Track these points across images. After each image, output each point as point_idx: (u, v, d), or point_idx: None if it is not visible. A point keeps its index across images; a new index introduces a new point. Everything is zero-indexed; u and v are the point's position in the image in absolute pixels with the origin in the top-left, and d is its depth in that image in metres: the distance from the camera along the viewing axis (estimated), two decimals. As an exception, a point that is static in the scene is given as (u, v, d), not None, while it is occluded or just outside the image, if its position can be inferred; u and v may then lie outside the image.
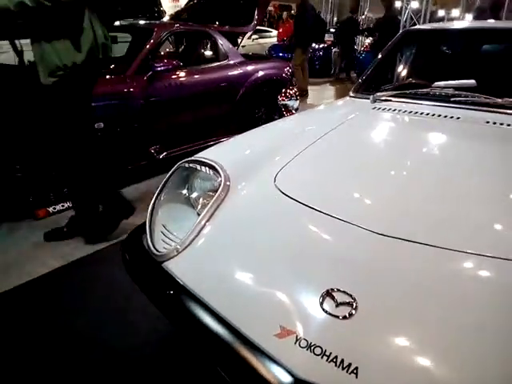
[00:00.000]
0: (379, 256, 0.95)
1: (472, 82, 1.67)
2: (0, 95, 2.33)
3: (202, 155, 1.42)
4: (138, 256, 1.27)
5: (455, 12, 10.31)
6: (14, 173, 2.43)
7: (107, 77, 3.05)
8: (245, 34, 4.57)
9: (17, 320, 1.76)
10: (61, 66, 1.95)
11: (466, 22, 4.93)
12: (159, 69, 3.15)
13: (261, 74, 4.04)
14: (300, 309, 0.88)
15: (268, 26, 12.34)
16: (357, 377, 0.75)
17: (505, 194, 1.13)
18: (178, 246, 1.15)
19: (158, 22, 4.00)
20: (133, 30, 3.93)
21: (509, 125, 1.50)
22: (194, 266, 1.11)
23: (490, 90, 1.64)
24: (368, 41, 9.82)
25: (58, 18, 1.89)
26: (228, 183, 1.26)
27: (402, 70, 2.28)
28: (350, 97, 2.07)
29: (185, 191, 1.39)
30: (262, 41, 10.48)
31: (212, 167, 1.32)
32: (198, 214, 1.26)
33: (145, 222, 1.31)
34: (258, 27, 5.99)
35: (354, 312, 0.83)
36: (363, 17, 12.75)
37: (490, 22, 2.94)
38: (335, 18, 14.62)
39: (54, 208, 2.63)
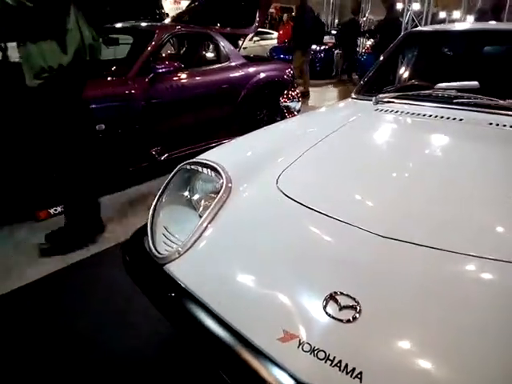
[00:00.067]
0: (382, 258, 0.95)
1: (475, 83, 1.66)
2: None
3: (204, 157, 1.41)
4: (139, 258, 1.26)
5: (456, 14, 10.32)
6: (15, 174, 2.42)
7: (109, 78, 3.06)
8: (246, 35, 4.57)
9: (18, 322, 1.75)
10: (46, 68, 1.92)
11: (468, 23, 4.93)
12: (161, 71, 3.15)
13: (262, 75, 4.04)
14: (303, 312, 0.87)
15: (269, 28, 12.36)
16: (361, 381, 0.74)
17: (508, 196, 1.12)
18: (180, 249, 1.14)
19: (159, 23, 4.00)
20: (134, 31, 3.93)
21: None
22: (195, 269, 1.11)
23: (493, 92, 1.63)
24: (369, 43, 9.82)
25: (42, 18, 1.85)
26: (230, 185, 1.26)
27: (405, 72, 2.28)
28: (352, 98, 2.06)
29: (186, 193, 1.38)
30: (263, 43, 10.50)
31: (214, 169, 1.32)
32: (200, 216, 1.25)
33: (146, 224, 1.30)
34: (259, 29, 5.99)
35: (357, 316, 0.82)
36: (364, 19, 12.75)
37: (492, 24, 2.93)
38: (336, 20, 14.63)
39: (56, 209, 2.63)
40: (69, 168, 2.24)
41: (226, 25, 4.14)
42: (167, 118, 3.28)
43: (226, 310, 0.97)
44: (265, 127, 1.87)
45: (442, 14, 10.50)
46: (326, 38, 10.02)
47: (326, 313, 0.84)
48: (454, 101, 1.69)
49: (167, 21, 4.83)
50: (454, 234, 0.98)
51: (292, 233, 1.09)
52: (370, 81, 2.14)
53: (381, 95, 1.88)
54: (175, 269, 1.11)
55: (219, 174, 1.29)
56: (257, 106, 4.10)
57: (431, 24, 6.15)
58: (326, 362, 0.78)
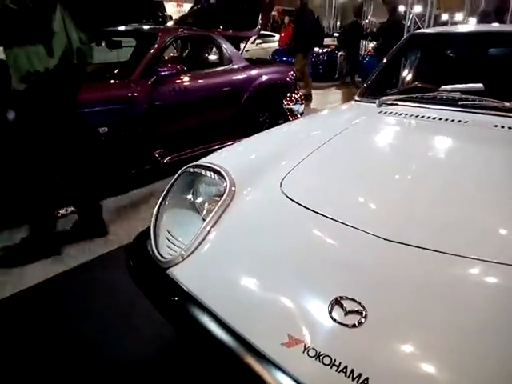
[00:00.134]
0: (387, 262, 0.94)
1: (480, 85, 1.65)
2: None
3: (207, 160, 1.41)
4: (143, 262, 1.25)
5: (458, 16, 10.30)
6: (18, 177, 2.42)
7: (112, 81, 3.07)
8: (249, 38, 4.58)
9: (20, 325, 1.75)
10: (32, 72, 1.89)
11: (472, 25, 4.92)
12: (163, 73, 3.16)
13: (265, 78, 4.04)
14: (308, 317, 0.87)
15: (272, 31, 12.38)
16: (367, 387, 0.73)
17: None
18: (183, 252, 1.13)
19: (162, 26, 4.01)
20: (137, 34, 3.94)
21: (517, 128, 1.48)
22: (199, 273, 1.10)
23: (498, 94, 1.63)
24: (371, 45, 9.83)
25: (26, 21, 1.82)
26: (233, 188, 1.25)
27: (408, 74, 2.27)
28: (356, 101, 2.06)
29: (190, 196, 1.37)
30: (265, 45, 10.51)
31: (217, 172, 1.31)
32: (203, 220, 1.24)
33: (149, 227, 1.30)
34: (262, 32, 6.00)
35: (363, 320, 0.81)
36: (366, 21, 12.76)
37: (497, 26, 2.93)
38: (338, 23, 14.65)
39: (58, 212, 2.62)
40: (69, 170, 2.24)
41: (229, 27, 4.14)
42: (170, 120, 3.28)
43: (230, 314, 0.96)
44: (268, 130, 1.86)
45: (445, 17, 10.49)
46: (329, 41, 10.05)
47: (332, 317, 0.83)
48: (459, 103, 1.68)
49: (170, 24, 4.84)
50: (458, 237, 0.97)
51: (296, 236, 1.08)
52: (374, 83, 2.14)
53: (384, 98, 1.87)
54: (178, 273, 1.10)
55: (223, 177, 1.29)
56: (259, 109, 4.10)
57: (434, 26, 6.14)
58: (331, 367, 0.77)
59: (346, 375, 0.75)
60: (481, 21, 6.14)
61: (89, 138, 2.42)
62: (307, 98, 6.49)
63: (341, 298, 0.86)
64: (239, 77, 3.85)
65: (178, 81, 3.33)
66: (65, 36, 1.93)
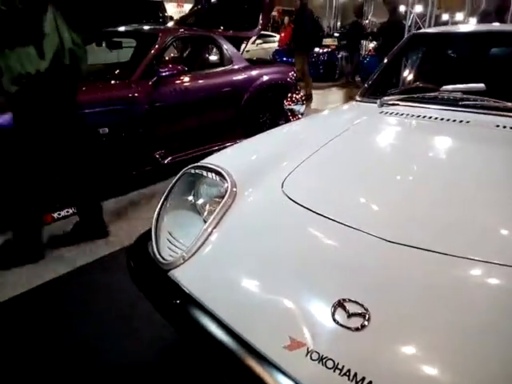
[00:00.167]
0: (389, 264, 0.93)
1: (481, 85, 1.64)
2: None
3: (208, 161, 1.40)
4: (144, 263, 1.25)
5: (459, 16, 10.29)
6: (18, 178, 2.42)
7: (112, 82, 3.06)
8: (249, 38, 4.57)
9: (20, 326, 1.74)
10: (24, 74, 1.86)
11: (474, 25, 4.91)
12: (164, 74, 3.15)
13: (265, 78, 4.04)
14: (310, 319, 0.86)
15: (272, 31, 12.37)
16: (371, 391, 0.73)
17: None
18: (185, 254, 1.12)
19: (162, 27, 4.01)
20: (138, 35, 3.94)
21: (520, 129, 1.48)
22: (200, 274, 1.09)
23: (499, 94, 1.62)
24: (372, 45, 9.82)
25: (16, 22, 1.80)
26: (235, 189, 1.24)
27: (409, 74, 2.26)
28: (357, 101, 2.05)
29: (191, 197, 1.37)
30: (266, 45, 10.51)
31: (218, 173, 1.30)
32: (205, 221, 1.24)
33: (150, 229, 1.29)
34: (262, 32, 6.00)
35: (366, 323, 0.81)
36: (367, 21, 12.75)
37: (498, 25, 2.92)
38: (339, 23, 14.64)
39: (59, 214, 2.62)
40: (70, 172, 2.23)
41: (229, 28, 4.14)
42: (170, 121, 3.27)
43: (232, 316, 0.95)
44: (269, 131, 1.85)
45: (445, 17, 10.47)
46: (329, 41, 10.04)
47: (335, 320, 0.83)
48: (460, 103, 1.67)
49: (170, 24, 4.84)
50: (460, 238, 0.97)
51: (298, 238, 1.08)
52: (375, 83, 2.13)
53: (386, 98, 1.87)
54: (180, 275, 1.10)
55: (224, 178, 1.28)
56: (260, 109, 4.09)
57: (434, 26, 6.13)
58: (334, 370, 0.76)
59: (349, 379, 0.75)
60: (481, 20, 6.13)
61: (90, 138, 2.41)
62: (308, 99, 6.48)
63: (344, 300, 0.85)
64: (240, 77, 3.85)
65: (178, 81, 3.33)
66: (57, 36, 1.90)
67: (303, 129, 1.89)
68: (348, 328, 0.81)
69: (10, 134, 2.03)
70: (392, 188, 1.21)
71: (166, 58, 4.07)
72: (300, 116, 3.82)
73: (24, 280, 2.01)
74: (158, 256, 1.18)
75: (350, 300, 0.85)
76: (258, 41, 9.88)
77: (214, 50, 4.32)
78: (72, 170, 2.24)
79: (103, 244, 2.36)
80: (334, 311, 0.84)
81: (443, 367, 0.75)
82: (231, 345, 0.90)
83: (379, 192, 1.20)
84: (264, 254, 1.07)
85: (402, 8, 7.69)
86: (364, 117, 1.76)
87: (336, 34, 11.00)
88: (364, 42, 10.31)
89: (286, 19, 10.69)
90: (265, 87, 4.02)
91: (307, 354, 0.80)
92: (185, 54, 4.64)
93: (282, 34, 10.27)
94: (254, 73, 3.98)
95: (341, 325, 0.82)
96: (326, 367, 0.77)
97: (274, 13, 14.43)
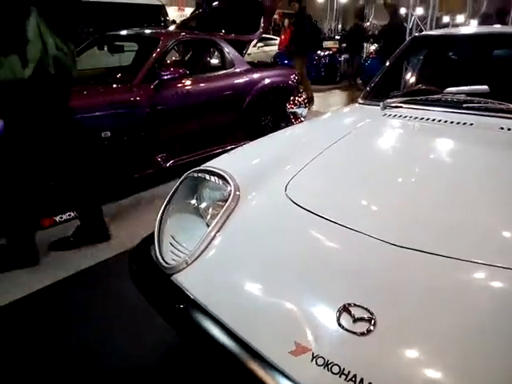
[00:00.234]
0: (394, 268, 0.93)
1: (485, 87, 1.63)
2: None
3: (211, 164, 1.39)
4: (146, 267, 1.24)
5: (460, 18, 10.30)
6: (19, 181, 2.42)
7: (114, 86, 3.06)
8: (251, 41, 4.58)
9: (21, 330, 1.73)
10: (7, 82, 1.83)
11: (476, 27, 4.91)
12: (166, 77, 3.15)
13: (267, 81, 4.04)
14: (315, 324, 0.85)
15: (273, 34, 12.40)
16: (377, 397, 0.72)
17: None
18: (188, 258, 1.12)
19: (164, 30, 4.01)
20: (139, 38, 3.95)
21: (524, 131, 1.47)
22: (204, 279, 1.09)
23: (503, 96, 1.61)
24: (373, 47, 9.84)
25: None
26: (238, 193, 1.24)
27: (412, 77, 2.26)
28: (359, 104, 2.04)
29: (194, 201, 1.36)
30: (267, 48, 10.53)
31: (221, 177, 1.30)
32: (208, 225, 1.23)
33: (153, 233, 1.29)
34: (263, 35, 6.01)
35: (372, 328, 0.80)
36: (368, 24, 12.78)
37: (500, 27, 2.91)
38: (340, 26, 14.67)
39: (61, 217, 2.62)
40: (66, 176, 2.22)
41: (231, 31, 4.15)
42: (172, 124, 3.27)
43: (236, 321, 0.94)
44: (271, 134, 1.85)
45: (446, 19, 10.49)
46: (330, 43, 10.06)
47: (340, 325, 0.82)
48: (464, 105, 1.66)
49: (172, 28, 4.85)
50: (463, 242, 0.96)
51: (302, 241, 1.07)
52: (377, 86, 2.12)
53: (389, 100, 1.86)
54: (183, 279, 1.09)
55: (227, 181, 1.27)
56: (262, 112, 4.09)
57: (436, 28, 6.14)
58: (340, 376, 0.75)
59: (355, 384, 0.74)
60: (482, 23, 6.14)
61: (86, 143, 2.39)
62: (309, 101, 6.48)
63: (349, 304, 0.84)
64: (241, 80, 3.85)
65: (180, 85, 3.33)
66: (40, 43, 1.85)
67: (306, 132, 1.89)
68: (354, 333, 0.80)
69: (1, 141, 2.02)
70: (396, 191, 1.21)
71: (168, 62, 4.08)
72: (302, 119, 3.81)
73: (25, 284, 2.01)
74: (161, 260, 1.17)
75: (355, 304, 0.84)
76: (259, 44, 9.90)
77: (216, 53, 4.32)
78: (68, 174, 2.23)
79: (105, 247, 2.35)
80: (340, 316, 0.83)
81: (449, 372, 0.75)
82: (236, 350, 0.89)
83: (383, 195, 1.19)
84: (268, 257, 1.06)
85: (402, 10, 7.71)
86: (367, 119, 1.75)
87: (337, 37, 11.02)
88: (366, 45, 10.33)
89: (286, 21, 10.70)
90: (266, 90, 4.03)
91: (312, 359, 0.79)
92: (186, 58, 4.65)
93: (283, 37, 10.28)
94: (256, 76, 3.98)
95: (346, 329, 0.81)
96: (332, 372, 0.76)
97: (275, 16, 14.46)
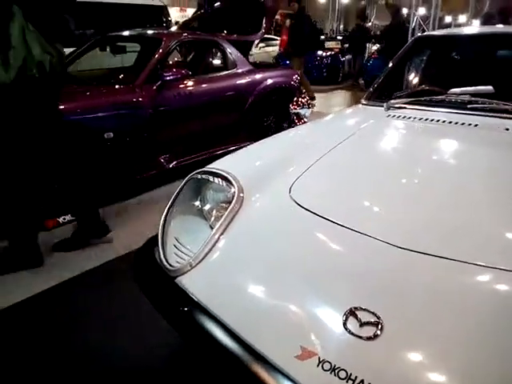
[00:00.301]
0: (398, 270, 0.92)
1: (489, 88, 1.62)
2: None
3: (214, 166, 1.39)
4: (150, 270, 1.23)
5: (462, 18, 10.28)
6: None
7: (116, 86, 3.06)
8: (253, 42, 4.57)
9: (24, 331, 1.73)
10: None
11: (480, 27, 4.89)
12: (168, 78, 3.15)
13: (269, 82, 4.03)
14: (322, 328, 0.84)
15: (275, 35, 12.39)
16: (385, 402, 0.71)
17: None
18: (192, 261, 1.11)
19: (166, 31, 4.01)
20: (141, 39, 3.94)
21: (529, 132, 1.46)
22: (208, 281, 1.08)
23: (509, 96, 1.60)
24: (375, 47, 9.82)
25: None
26: (242, 195, 1.23)
27: (416, 77, 2.25)
28: (363, 104, 2.03)
29: (197, 203, 1.36)
30: (268, 49, 10.52)
31: (225, 178, 1.29)
32: (211, 227, 1.23)
33: (156, 235, 1.28)
34: (265, 35, 6.01)
35: (379, 332, 0.79)
36: (370, 24, 12.76)
37: (504, 27, 2.90)
38: (342, 26, 14.66)
39: (64, 218, 2.62)
40: (66, 179, 2.22)
41: (233, 32, 4.14)
42: (175, 125, 3.27)
43: (241, 325, 0.94)
44: (275, 135, 1.84)
45: (448, 19, 10.48)
46: (332, 44, 10.04)
47: (346, 329, 0.81)
48: (468, 106, 1.65)
49: (174, 28, 4.85)
50: (468, 244, 0.96)
51: (306, 243, 1.06)
52: (380, 87, 2.11)
53: (392, 101, 1.85)
54: (187, 282, 1.09)
55: (230, 183, 1.27)
56: (264, 113, 4.09)
57: (438, 28, 6.13)
58: (347, 381, 0.74)
59: (362, 390, 0.73)
60: (484, 23, 6.12)
61: (86, 144, 2.37)
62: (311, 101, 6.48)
63: (355, 308, 0.84)
64: (244, 81, 3.84)
65: (182, 85, 3.33)
66: (24, 49, 1.82)
67: (310, 133, 1.88)
68: (360, 337, 0.79)
69: None
70: (400, 192, 1.20)
71: (170, 63, 4.08)
72: (306, 120, 3.81)
73: (29, 285, 2.01)
74: (165, 263, 1.16)
75: (361, 308, 0.83)
76: (261, 44, 9.90)
77: (218, 53, 4.32)
78: (63, 176, 2.23)
79: (109, 248, 2.35)
80: (346, 320, 0.82)
81: (454, 376, 0.74)
82: (241, 354, 0.88)
83: (387, 196, 1.18)
84: (272, 260, 1.05)
85: (404, 10, 7.70)
86: (371, 120, 1.74)
87: (339, 37, 11.00)
88: (368, 45, 10.32)
89: (288, 22, 10.71)
90: (269, 91, 4.02)
91: (319, 364, 0.78)
92: (188, 58, 4.65)
93: (284, 37, 10.27)
94: (258, 76, 3.98)
95: (353, 334, 0.80)
96: (339, 378, 0.75)
97: (277, 16, 14.45)
